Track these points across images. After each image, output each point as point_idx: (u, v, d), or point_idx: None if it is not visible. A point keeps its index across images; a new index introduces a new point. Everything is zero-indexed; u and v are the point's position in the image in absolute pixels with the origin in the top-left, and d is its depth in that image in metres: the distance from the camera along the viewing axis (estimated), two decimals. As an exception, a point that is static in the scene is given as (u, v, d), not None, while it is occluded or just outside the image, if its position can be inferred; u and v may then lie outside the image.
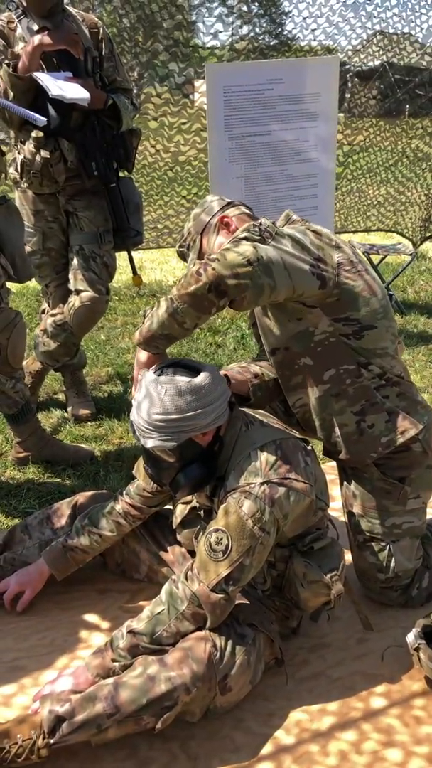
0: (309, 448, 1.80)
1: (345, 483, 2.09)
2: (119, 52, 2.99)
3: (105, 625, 2.03)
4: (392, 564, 2.02)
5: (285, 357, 1.93)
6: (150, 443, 1.67)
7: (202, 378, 1.67)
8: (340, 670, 1.88)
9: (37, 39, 2.57)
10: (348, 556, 2.03)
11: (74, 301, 2.90)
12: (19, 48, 2.66)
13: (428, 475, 2.01)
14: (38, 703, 1.63)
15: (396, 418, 1.93)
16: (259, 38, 5.57)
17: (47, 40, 2.56)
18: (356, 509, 2.05)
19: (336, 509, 2.54)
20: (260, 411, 1.95)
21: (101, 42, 2.82)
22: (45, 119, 2.47)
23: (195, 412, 1.65)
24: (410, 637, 1.81)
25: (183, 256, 2.12)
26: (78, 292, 2.89)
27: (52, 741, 1.56)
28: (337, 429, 1.96)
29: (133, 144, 2.97)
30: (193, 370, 1.71)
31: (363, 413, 1.92)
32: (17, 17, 2.69)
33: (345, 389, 1.91)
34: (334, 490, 2.64)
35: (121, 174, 2.96)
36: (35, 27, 2.67)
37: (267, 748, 1.66)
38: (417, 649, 1.79)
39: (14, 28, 2.69)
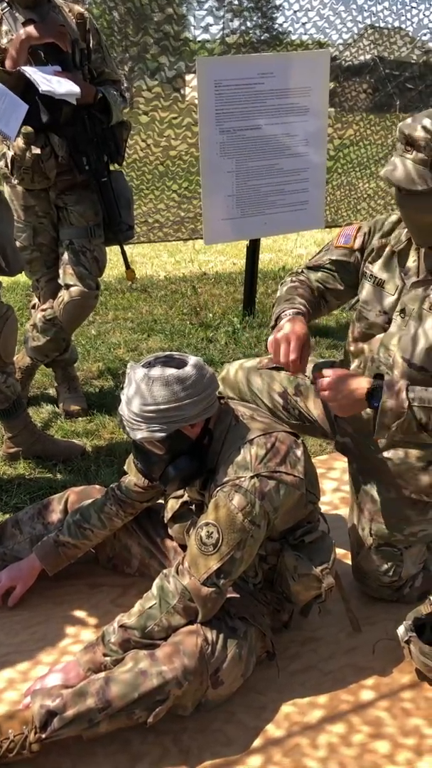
0: (299, 441, 1.80)
1: (361, 486, 2.06)
2: (108, 45, 2.96)
3: (96, 620, 2.03)
4: (401, 570, 2.03)
5: (422, 379, 1.83)
6: (139, 435, 1.67)
7: (189, 369, 1.67)
8: (332, 664, 1.89)
9: (24, 32, 2.54)
10: (339, 549, 2.03)
11: (63, 295, 2.89)
12: (5, 42, 2.63)
13: None
14: (29, 699, 1.63)
15: None
16: (250, 32, 5.56)
17: (35, 32, 2.54)
18: (374, 514, 2.02)
19: (326, 503, 2.55)
20: (250, 405, 1.96)
21: (88, 33, 2.79)
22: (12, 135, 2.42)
23: (183, 402, 1.65)
24: (401, 630, 1.82)
25: None
26: (67, 286, 2.88)
27: (43, 736, 1.56)
28: (401, 455, 1.94)
29: (123, 137, 2.95)
30: (180, 362, 1.71)
31: None
32: (2, 9, 2.66)
33: None
34: (325, 484, 2.66)
35: (111, 168, 2.95)
36: (21, 19, 2.64)
37: (258, 742, 1.67)
38: (408, 642, 1.80)
39: None
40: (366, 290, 1.96)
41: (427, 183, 1.65)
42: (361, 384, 1.76)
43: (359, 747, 1.66)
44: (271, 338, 1.85)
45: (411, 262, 1.87)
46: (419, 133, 1.64)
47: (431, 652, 1.75)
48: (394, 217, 1.96)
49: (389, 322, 1.90)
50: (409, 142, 1.67)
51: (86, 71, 2.79)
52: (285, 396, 2.15)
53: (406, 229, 1.89)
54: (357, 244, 1.99)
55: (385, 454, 1.97)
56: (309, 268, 2.11)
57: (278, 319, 1.93)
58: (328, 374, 1.78)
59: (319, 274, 2.08)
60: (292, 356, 1.80)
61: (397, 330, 1.88)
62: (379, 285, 1.92)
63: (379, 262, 1.94)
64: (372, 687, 1.82)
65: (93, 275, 2.91)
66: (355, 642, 1.96)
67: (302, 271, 2.12)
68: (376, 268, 1.94)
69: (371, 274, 1.95)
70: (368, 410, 1.85)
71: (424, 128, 1.64)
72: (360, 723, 1.72)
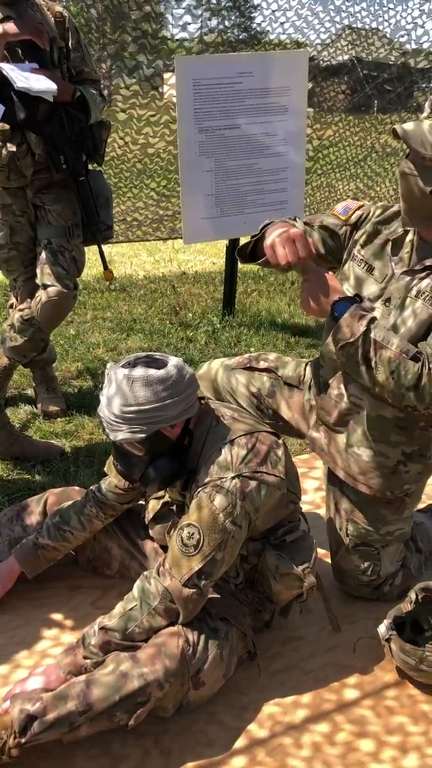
0: (280, 441, 1.80)
1: (336, 485, 2.06)
2: (86, 42, 2.94)
3: (76, 622, 2.01)
4: (379, 569, 2.03)
5: None
6: (119, 436, 1.66)
7: (169, 369, 1.66)
8: (313, 663, 1.89)
9: (0, 28, 2.51)
10: (320, 549, 2.03)
11: (41, 295, 2.86)
12: None
13: (424, 484, 2.04)
14: (9, 703, 1.61)
15: (427, 473, 1.97)
16: (229, 31, 5.56)
17: (12, 29, 2.51)
18: (350, 514, 2.02)
19: (308, 502, 2.55)
20: (231, 405, 1.95)
21: (67, 32, 2.77)
22: None
23: (163, 403, 1.64)
24: (381, 629, 1.83)
25: None
26: (45, 286, 2.85)
27: (23, 740, 1.54)
28: (371, 453, 1.93)
29: (103, 136, 2.93)
30: (160, 362, 1.70)
31: (410, 458, 1.91)
32: None
33: (414, 428, 1.88)
34: (306, 483, 2.66)
35: (90, 167, 2.93)
36: None
37: (240, 742, 1.66)
38: (388, 640, 1.81)
39: None
40: (352, 275, 1.93)
41: None
42: (339, 291, 1.77)
43: (344, 746, 1.66)
44: (267, 242, 1.80)
45: (404, 252, 1.85)
46: None
47: (412, 650, 1.76)
48: (396, 207, 1.91)
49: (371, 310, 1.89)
50: None
51: (65, 70, 2.77)
52: (259, 396, 2.16)
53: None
54: (352, 219, 1.96)
55: (354, 449, 1.96)
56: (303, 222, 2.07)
57: (261, 234, 1.91)
58: (324, 271, 1.80)
59: (307, 228, 2.03)
60: (302, 254, 1.77)
61: (380, 318, 1.86)
62: (367, 271, 1.90)
63: (371, 247, 1.90)
64: (355, 686, 1.83)
65: (71, 275, 2.88)
66: (336, 641, 1.96)
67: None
68: (366, 253, 1.91)
69: (361, 258, 1.92)
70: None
71: None
72: (344, 722, 1.72)
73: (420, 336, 1.76)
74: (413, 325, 1.76)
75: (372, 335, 1.70)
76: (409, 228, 1.83)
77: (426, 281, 1.77)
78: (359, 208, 1.96)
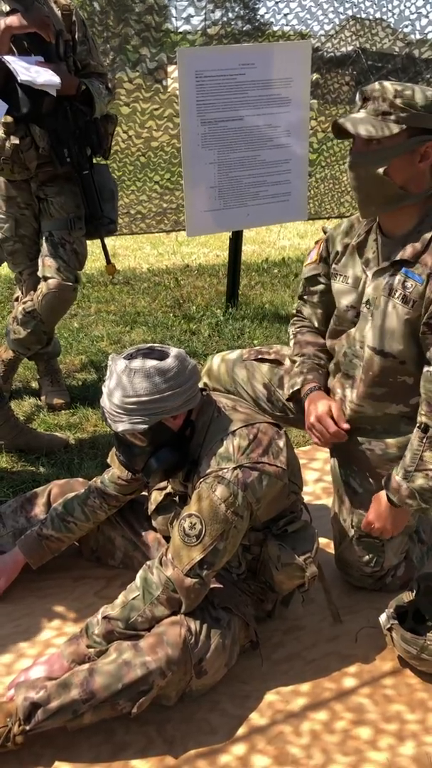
0: (282, 431, 1.81)
1: (342, 477, 2.08)
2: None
3: (80, 612, 2.03)
4: (383, 560, 2.04)
5: (392, 365, 1.86)
6: (121, 427, 1.67)
7: (170, 360, 1.67)
8: (315, 652, 1.90)
9: (6, 21, 2.52)
10: (321, 539, 2.04)
11: (42, 287, 2.87)
12: None
13: None
14: (13, 691, 1.63)
15: None
16: (232, 23, 5.54)
17: (18, 22, 2.51)
18: (355, 505, 2.03)
19: (309, 493, 2.56)
20: (232, 396, 1.96)
21: (74, 25, 2.77)
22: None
23: (165, 394, 1.65)
24: (383, 618, 1.84)
25: None
26: (46, 278, 2.86)
27: (27, 728, 1.56)
28: (383, 446, 1.96)
29: (109, 130, 2.93)
30: (161, 353, 1.71)
31: None
32: None
33: None
34: (308, 474, 2.67)
35: (96, 160, 2.93)
36: (5, 8, 2.62)
37: (242, 730, 1.68)
38: (390, 630, 1.82)
39: None
40: (335, 288, 2.02)
41: (376, 130, 1.70)
42: (384, 502, 1.88)
43: (342, 733, 1.68)
44: (307, 424, 2.00)
45: (370, 253, 1.91)
46: (375, 86, 1.73)
47: (413, 639, 1.77)
48: (353, 218, 2.02)
49: (358, 315, 1.94)
50: (366, 98, 1.75)
51: (71, 63, 2.77)
52: (268, 388, 2.16)
53: (363, 223, 1.94)
54: (319, 254, 2.08)
55: (366, 445, 1.98)
56: (299, 298, 2.19)
57: (296, 393, 2.08)
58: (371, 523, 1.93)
59: (307, 309, 2.17)
60: (332, 430, 1.94)
61: (364, 321, 1.91)
62: (344, 282, 1.98)
63: (342, 260, 1.99)
64: (354, 674, 1.84)
65: (72, 268, 2.89)
66: (337, 630, 1.97)
67: (299, 312, 2.21)
68: (340, 266, 2.00)
69: (336, 272, 2.01)
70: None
71: (380, 84, 1.73)
72: (342, 710, 1.74)
73: (408, 334, 1.80)
74: (397, 324, 1.81)
75: (414, 485, 1.80)
76: (366, 219, 1.90)
77: (397, 278, 1.82)
78: (319, 245, 2.09)
